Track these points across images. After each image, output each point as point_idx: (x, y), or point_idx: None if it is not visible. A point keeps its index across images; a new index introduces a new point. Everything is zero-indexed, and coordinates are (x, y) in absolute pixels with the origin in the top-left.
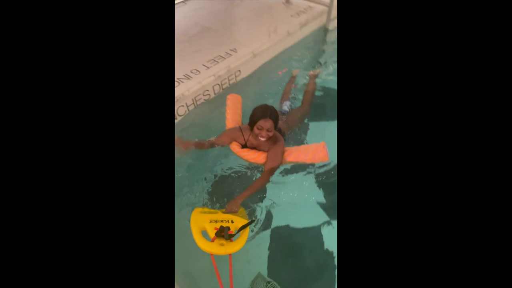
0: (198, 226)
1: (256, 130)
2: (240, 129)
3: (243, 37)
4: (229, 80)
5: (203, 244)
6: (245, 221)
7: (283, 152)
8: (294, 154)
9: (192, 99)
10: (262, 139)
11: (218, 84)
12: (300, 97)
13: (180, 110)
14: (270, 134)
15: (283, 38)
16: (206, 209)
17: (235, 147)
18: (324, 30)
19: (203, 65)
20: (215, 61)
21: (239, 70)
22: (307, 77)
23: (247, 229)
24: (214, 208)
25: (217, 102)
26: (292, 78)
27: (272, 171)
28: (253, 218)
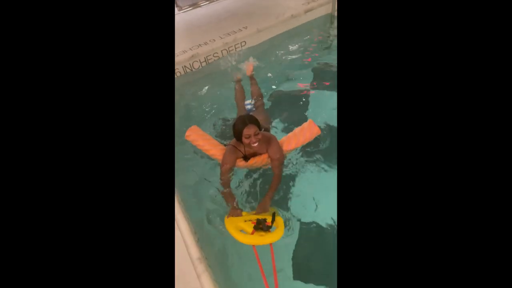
0: (234, 227)
1: (245, 140)
2: (233, 146)
3: (255, 19)
4: (235, 48)
5: (244, 238)
6: (277, 219)
7: (280, 146)
8: (293, 140)
9: (205, 58)
10: (255, 144)
11: (225, 49)
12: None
13: (195, 64)
14: (259, 137)
15: (287, 19)
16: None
17: (240, 163)
18: (331, 16)
19: (219, 36)
20: (228, 34)
21: (245, 41)
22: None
23: (281, 220)
24: (245, 211)
25: (223, 62)
26: (238, 82)
27: (280, 165)
28: (275, 211)
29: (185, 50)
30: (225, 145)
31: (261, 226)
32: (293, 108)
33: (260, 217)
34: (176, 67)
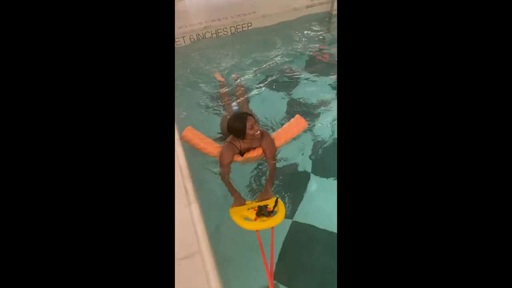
0: (239, 215)
1: (249, 131)
2: (230, 142)
3: (264, 6)
4: (242, 27)
5: (248, 225)
6: (278, 204)
7: (272, 138)
8: (282, 135)
9: (216, 30)
10: (257, 133)
11: (233, 26)
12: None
13: (207, 34)
14: (258, 127)
15: (289, 11)
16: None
17: (238, 159)
18: (329, 15)
19: (231, 16)
20: (239, 16)
21: (251, 23)
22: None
23: (282, 205)
24: (248, 200)
25: (233, 36)
26: (222, 83)
27: (274, 157)
28: (277, 196)
29: (201, 22)
30: (220, 141)
31: (262, 212)
32: (280, 102)
33: (261, 203)
34: (191, 34)
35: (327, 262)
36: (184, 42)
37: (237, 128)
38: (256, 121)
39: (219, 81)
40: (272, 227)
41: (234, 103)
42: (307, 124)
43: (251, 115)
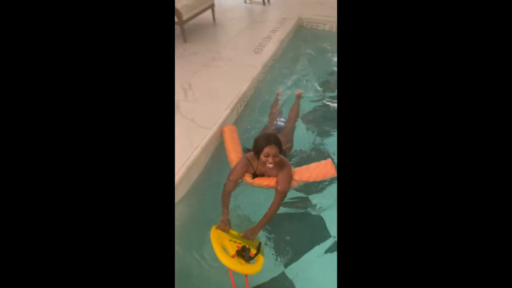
0: (218, 242)
1: (263, 158)
2: (248, 159)
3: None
4: None
5: (224, 259)
6: (260, 253)
7: (291, 175)
8: (305, 173)
9: None
10: (270, 165)
11: None
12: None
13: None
14: (277, 159)
15: None
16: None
17: (248, 178)
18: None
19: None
20: None
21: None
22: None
23: (262, 258)
24: (233, 229)
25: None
26: (277, 98)
27: (282, 195)
28: (260, 243)
29: None
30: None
31: (243, 254)
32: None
33: (247, 244)
34: None
35: None
36: None
37: (257, 146)
38: (280, 153)
39: (277, 95)
40: (246, 276)
41: (281, 119)
42: (336, 173)
43: (277, 145)
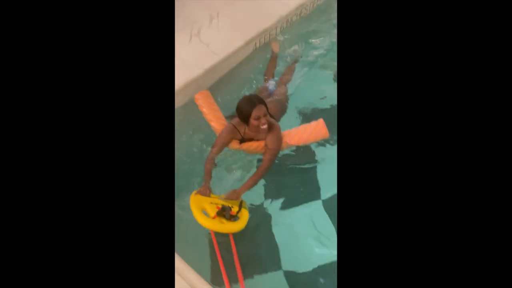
0: (198, 206)
1: (254, 122)
2: (234, 125)
3: None
4: None
5: (204, 220)
6: (242, 210)
7: (280, 136)
8: (294, 136)
9: None
10: (264, 126)
11: None
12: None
13: None
14: (268, 118)
15: None
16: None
17: (234, 144)
18: None
19: None
20: None
21: None
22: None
23: (246, 213)
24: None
25: None
26: (274, 55)
27: (273, 155)
28: (243, 201)
29: None
30: (228, 121)
31: (224, 213)
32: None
33: (227, 204)
34: None
35: None
36: None
37: (243, 112)
38: (266, 111)
39: (273, 52)
40: (231, 234)
41: (272, 81)
42: (327, 133)
43: (263, 103)
